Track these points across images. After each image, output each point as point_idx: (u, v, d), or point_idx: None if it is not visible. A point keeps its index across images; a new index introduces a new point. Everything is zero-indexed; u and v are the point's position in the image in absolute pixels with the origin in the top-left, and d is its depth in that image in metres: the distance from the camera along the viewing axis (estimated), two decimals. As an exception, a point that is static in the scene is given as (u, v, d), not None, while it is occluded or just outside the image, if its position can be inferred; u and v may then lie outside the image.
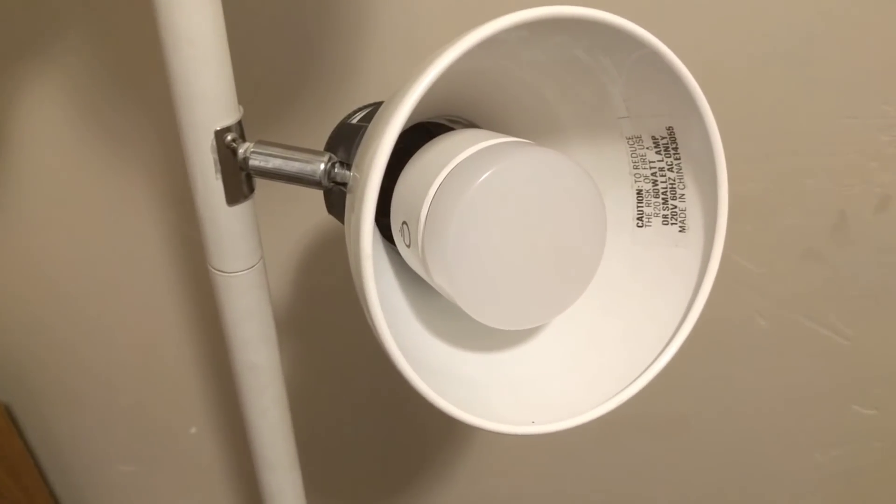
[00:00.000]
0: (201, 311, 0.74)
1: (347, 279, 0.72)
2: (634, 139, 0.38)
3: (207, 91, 0.38)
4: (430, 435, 0.87)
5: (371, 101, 0.45)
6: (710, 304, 0.37)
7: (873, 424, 0.84)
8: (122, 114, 0.62)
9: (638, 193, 0.39)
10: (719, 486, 0.92)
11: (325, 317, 0.75)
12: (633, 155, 0.38)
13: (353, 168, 0.36)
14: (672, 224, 0.38)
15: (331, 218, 0.68)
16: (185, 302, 0.73)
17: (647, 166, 0.38)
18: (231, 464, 0.87)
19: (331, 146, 0.43)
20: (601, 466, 0.90)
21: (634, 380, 0.36)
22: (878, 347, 0.78)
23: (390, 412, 0.85)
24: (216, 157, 0.39)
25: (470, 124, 0.42)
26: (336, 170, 0.38)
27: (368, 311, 0.30)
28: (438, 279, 0.34)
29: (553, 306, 0.36)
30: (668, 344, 0.36)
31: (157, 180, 0.65)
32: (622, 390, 0.36)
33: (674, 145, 0.37)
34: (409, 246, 0.36)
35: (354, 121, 0.43)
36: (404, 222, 0.35)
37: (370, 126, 0.35)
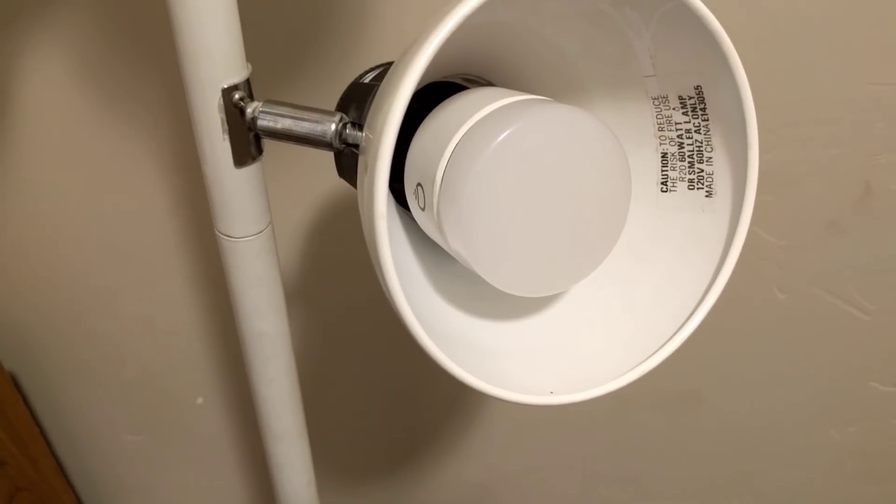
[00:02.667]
0: (209, 279, 0.73)
1: (357, 248, 0.71)
2: (660, 99, 0.36)
3: (214, 47, 0.36)
4: (440, 406, 0.86)
5: (385, 61, 0.43)
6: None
7: (891, 401, 0.83)
8: (127, 74, 0.61)
9: (663, 157, 0.37)
10: (732, 463, 0.91)
11: (334, 286, 0.74)
12: (659, 116, 0.37)
13: (366, 128, 0.34)
14: (698, 188, 0.36)
15: (341, 186, 0.67)
16: (192, 270, 0.72)
17: (673, 128, 0.36)
18: (238, 434, 0.87)
19: (342, 106, 0.41)
20: (614, 441, 0.89)
21: (657, 350, 0.35)
22: (899, 323, 0.76)
23: (400, 383, 0.84)
24: (223, 116, 0.38)
25: (487, 84, 0.41)
26: (348, 130, 0.36)
27: (382, 274, 0.28)
28: (454, 243, 0.32)
29: (573, 273, 0.34)
30: (692, 313, 0.35)
31: (164, 144, 0.64)
32: (644, 361, 0.35)
33: (702, 105, 0.35)
34: (423, 209, 0.34)
35: (367, 80, 0.41)
36: (419, 184, 0.34)
37: (383, 83, 0.33)
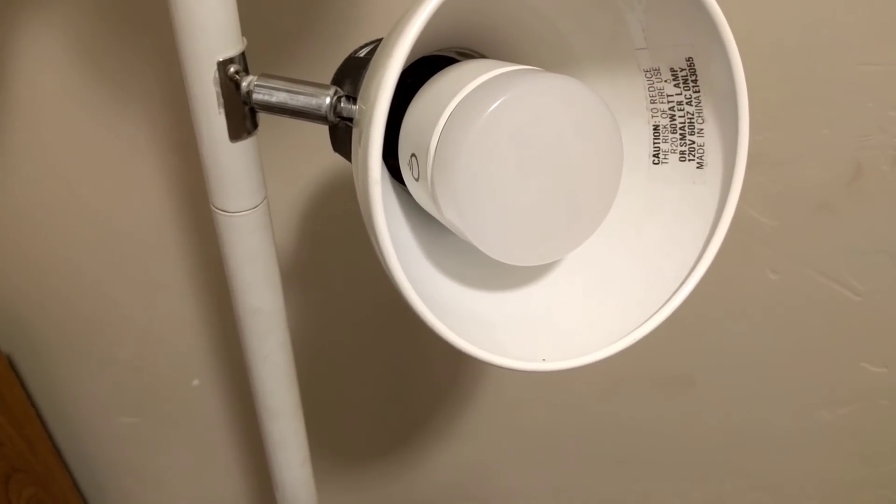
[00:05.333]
0: (204, 261, 0.73)
1: (352, 226, 0.71)
2: (652, 72, 0.36)
3: (210, 20, 0.37)
4: (434, 387, 0.87)
5: (381, 37, 0.44)
6: (720, 257, 0.36)
7: (882, 382, 0.83)
8: (122, 52, 0.61)
9: (655, 129, 0.38)
10: (725, 444, 0.92)
11: (330, 264, 0.74)
12: (651, 88, 0.37)
13: (359, 100, 0.34)
14: (690, 160, 0.37)
15: (336, 164, 0.67)
16: (187, 251, 0.72)
17: (665, 100, 0.37)
18: (233, 416, 0.87)
19: (337, 81, 0.41)
20: (607, 423, 0.90)
21: (647, 320, 0.35)
22: (890, 304, 0.77)
23: (395, 364, 0.84)
24: (219, 90, 0.38)
25: (480, 57, 0.41)
26: (342, 104, 0.37)
27: (377, 240, 0.29)
28: (448, 212, 0.33)
29: (565, 242, 0.35)
30: (683, 282, 0.35)
31: (159, 123, 0.64)
32: (635, 329, 0.35)
33: (693, 77, 0.35)
34: (417, 179, 0.34)
35: (362, 55, 0.42)
36: (413, 154, 0.34)
37: (375, 54, 0.33)
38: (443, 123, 0.32)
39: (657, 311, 0.35)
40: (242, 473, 0.94)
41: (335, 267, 0.75)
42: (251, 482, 0.95)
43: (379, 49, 0.32)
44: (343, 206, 0.70)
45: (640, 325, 0.35)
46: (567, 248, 0.35)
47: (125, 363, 0.81)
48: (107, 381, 0.83)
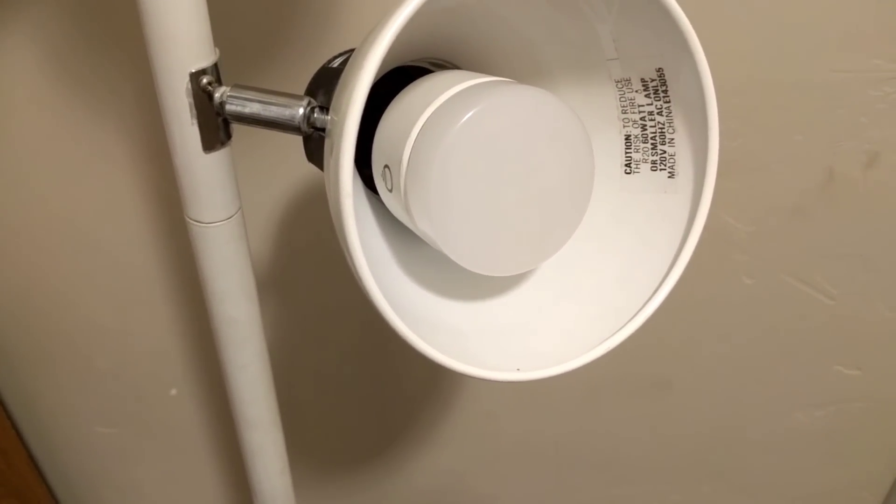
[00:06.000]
0: (179, 270, 0.73)
1: (327, 235, 0.71)
2: (623, 82, 0.37)
3: (182, 31, 0.37)
4: (413, 394, 0.87)
5: (353, 47, 0.44)
6: (695, 263, 0.36)
7: (856, 385, 0.84)
8: (95, 61, 0.60)
9: (626, 139, 0.38)
10: (703, 448, 0.92)
11: (304, 275, 0.74)
12: (622, 98, 0.37)
13: (331, 111, 0.35)
14: (661, 170, 0.37)
15: (307, 175, 0.67)
16: (162, 260, 0.72)
17: (636, 110, 0.37)
18: (212, 426, 0.87)
19: (311, 91, 0.41)
20: (586, 428, 0.90)
21: (621, 328, 0.36)
22: (862, 307, 0.77)
23: (373, 372, 0.84)
24: (191, 101, 0.38)
25: (454, 68, 0.41)
26: (316, 114, 0.37)
27: (349, 252, 0.29)
28: (421, 224, 0.33)
29: (538, 252, 0.35)
30: (656, 290, 0.36)
31: (133, 132, 0.64)
32: (609, 337, 0.35)
33: (664, 88, 0.36)
34: (391, 190, 0.34)
35: (335, 65, 0.42)
36: (386, 166, 0.34)
37: (347, 65, 0.34)
38: (415, 135, 0.32)
39: (631, 319, 0.36)
40: (221, 483, 0.93)
41: (311, 276, 0.75)
42: (230, 492, 0.94)
43: (350, 60, 0.33)
44: (317, 216, 0.69)
45: (615, 333, 0.35)
46: (540, 258, 0.35)
47: (102, 373, 0.80)
48: (83, 392, 0.82)
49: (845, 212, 0.71)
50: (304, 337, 0.80)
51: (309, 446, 0.91)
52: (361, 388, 0.86)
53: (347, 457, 0.94)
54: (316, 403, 0.86)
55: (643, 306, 0.36)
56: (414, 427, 0.90)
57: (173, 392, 0.83)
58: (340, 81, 0.33)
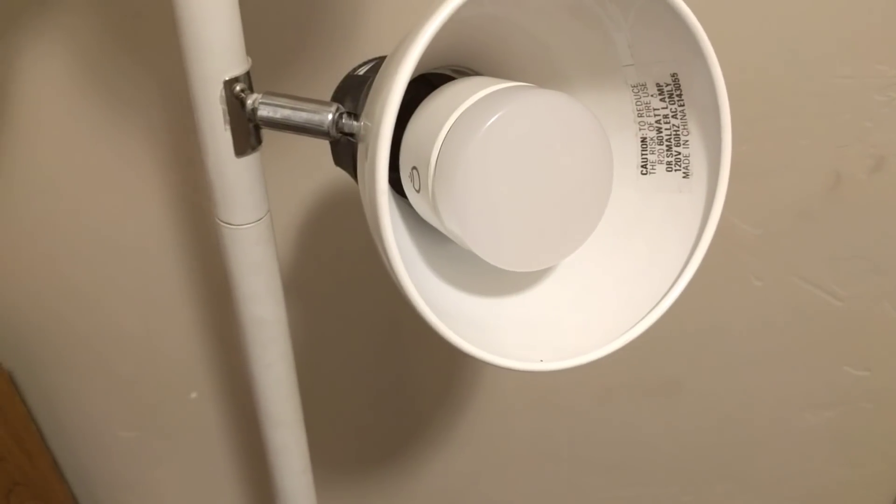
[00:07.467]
0: (202, 275, 0.74)
1: (347, 239, 0.72)
2: (639, 87, 0.38)
3: (217, 41, 0.38)
4: (429, 397, 0.88)
5: (377, 56, 0.45)
6: (706, 265, 0.38)
7: (865, 385, 0.85)
8: (124, 69, 0.62)
9: (642, 141, 0.40)
10: (713, 449, 0.93)
11: (327, 277, 0.76)
12: (638, 103, 0.39)
13: (364, 116, 0.36)
14: (676, 170, 0.39)
15: (328, 182, 0.68)
16: (185, 265, 0.74)
17: (652, 114, 0.39)
18: (231, 429, 0.88)
19: (338, 97, 0.43)
20: (598, 429, 0.91)
21: (639, 321, 0.37)
22: (871, 308, 0.79)
23: (391, 375, 0.85)
24: (225, 107, 0.40)
25: (473, 74, 0.43)
26: (344, 120, 0.38)
27: (383, 245, 0.30)
28: (448, 222, 0.34)
29: (560, 249, 0.37)
30: (672, 286, 0.37)
31: (160, 139, 0.65)
32: (627, 331, 0.37)
33: (678, 92, 0.37)
34: (418, 191, 0.36)
35: (361, 73, 0.43)
36: (414, 167, 0.36)
37: (379, 74, 0.35)
38: (443, 137, 0.34)
39: (648, 313, 0.37)
40: (240, 486, 0.94)
41: (332, 279, 0.76)
42: (249, 495, 0.95)
43: (383, 68, 0.34)
44: (335, 220, 0.71)
45: (633, 326, 0.37)
46: (562, 255, 0.37)
47: (124, 378, 0.82)
48: (105, 396, 0.84)
49: (852, 214, 0.72)
50: (322, 340, 0.81)
51: (326, 448, 0.92)
52: (380, 390, 0.87)
53: (362, 458, 0.95)
54: (335, 405, 0.88)
55: (660, 300, 0.37)
56: (428, 430, 0.91)
57: (193, 395, 0.84)
58: (373, 88, 0.35)
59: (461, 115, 0.34)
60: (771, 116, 0.67)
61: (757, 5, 0.61)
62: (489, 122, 0.32)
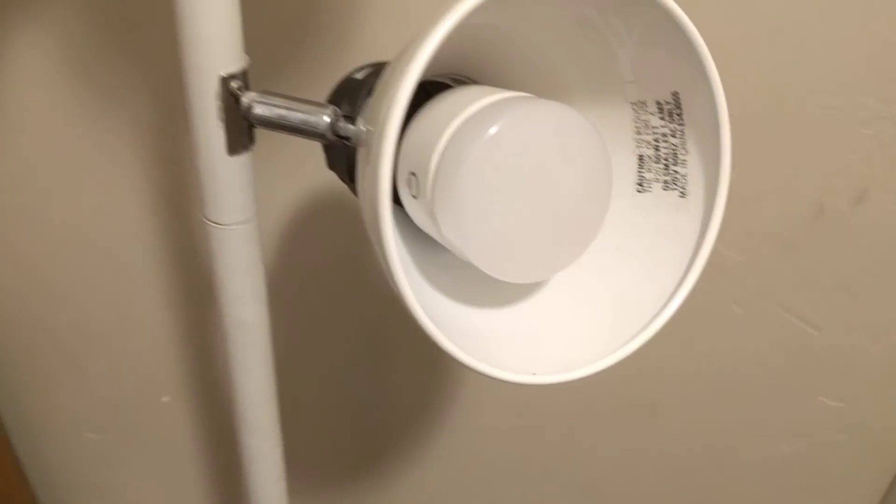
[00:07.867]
0: (179, 278, 0.73)
1: (331, 245, 0.72)
2: (639, 104, 0.38)
3: (215, 35, 0.38)
4: (406, 411, 0.87)
5: (374, 60, 0.45)
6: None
7: (839, 416, 0.86)
8: (110, 62, 0.61)
9: (640, 158, 0.40)
10: (686, 473, 0.93)
11: (309, 282, 0.75)
12: (637, 120, 0.39)
13: (364, 121, 0.36)
14: (672, 189, 0.39)
15: (315, 186, 0.68)
16: (162, 268, 0.72)
17: (650, 132, 0.39)
18: (203, 436, 0.87)
19: (334, 100, 0.43)
20: (572, 450, 0.91)
21: (631, 339, 0.37)
22: (847, 339, 0.79)
23: (369, 383, 0.85)
24: (220, 104, 0.39)
25: (473, 83, 0.43)
26: (341, 123, 0.38)
27: (382, 249, 0.30)
28: (446, 230, 0.34)
29: (556, 261, 0.36)
30: (665, 305, 0.37)
31: (144, 136, 0.64)
32: (619, 348, 0.37)
33: (678, 111, 0.37)
34: (415, 197, 0.36)
35: (359, 77, 0.43)
36: (412, 173, 0.36)
37: (383, 78, 0.35)
38: (443, 144, 0.34)
39: (640, 331, 0.37)
40: (209, 493, 0.93)
41: (313, 285, 0.75)
42: (218, 503, 0.94)
43: (388, 74, 0.34)
44: (320, 226, 0.70)
45: (626, 343, 0.37)
46: (557, 268, 0.37)
47: (93, 378, 0.80)
48: (72, 396, 0.82)
49: (834, 245, 0.73)
50: (306, 346, 0.80)
51: (302, 458, 0.91)
52: (357, 402, 0.86)
53: (335, 470, 0.94)
54: (307, 415, 0.86)
55: (653, 318, 0.37)
56: (401, 444, 0.90)
57: (166, 399, 0.83)
58: (377, 92, 0.34)
59: (463, 122, 0.34)
60: (756, 144, 0.67)
61: (744, 35, 0.61)
62: (491, 131, 0.32)
